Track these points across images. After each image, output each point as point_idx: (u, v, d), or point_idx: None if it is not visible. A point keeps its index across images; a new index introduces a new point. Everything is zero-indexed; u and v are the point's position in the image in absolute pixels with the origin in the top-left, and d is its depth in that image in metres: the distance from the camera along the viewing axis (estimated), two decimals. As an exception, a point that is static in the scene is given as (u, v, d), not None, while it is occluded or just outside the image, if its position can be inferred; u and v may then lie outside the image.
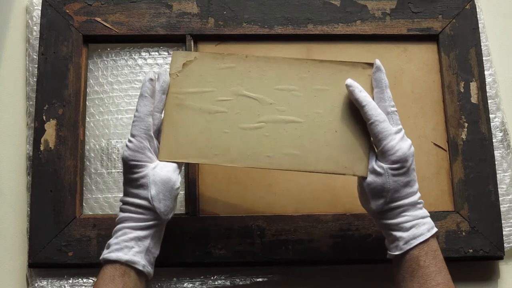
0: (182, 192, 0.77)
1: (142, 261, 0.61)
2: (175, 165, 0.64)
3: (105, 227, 0.73)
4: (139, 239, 0.61)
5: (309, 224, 0.74)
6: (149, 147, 0.63)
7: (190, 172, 0.76)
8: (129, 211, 0.62)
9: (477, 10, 0.83)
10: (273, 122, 0.66)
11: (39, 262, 0.72)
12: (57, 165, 0.74)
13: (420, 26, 0.81)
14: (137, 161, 0.62)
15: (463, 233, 0.75)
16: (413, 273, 0.60)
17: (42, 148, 0.75)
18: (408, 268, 0.61)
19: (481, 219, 0.75)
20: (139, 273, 0.61)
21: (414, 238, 0.61)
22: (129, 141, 0.62)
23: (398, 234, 0.61)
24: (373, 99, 0.64)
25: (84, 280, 0.74)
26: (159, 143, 0.65)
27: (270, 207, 0.76)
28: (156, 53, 0.82)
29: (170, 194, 0.62)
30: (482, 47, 0.82)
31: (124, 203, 0.63)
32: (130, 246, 0.61)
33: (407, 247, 0.60)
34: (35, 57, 0.80)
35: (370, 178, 0.62)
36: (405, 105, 0.80)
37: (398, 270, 0.62)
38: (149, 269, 0.62)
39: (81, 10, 0.79)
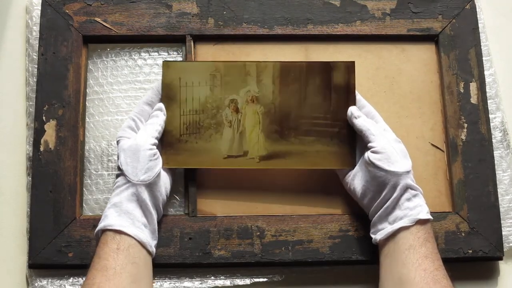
0: (181, 193, 0.77)
1: (118, 222, 0.64)
2: (150, 132, 0.68)
3: (105, 228, 0.73)
4: (116, 205, 0.65)
5: (308, 225, 0.74)
6: (134, 126, 0.69)
7: (188, 173, 0.76)
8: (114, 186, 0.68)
9: (477, 10, 0.83)
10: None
11: (39, 263, 0.72)
12: (57, 166, 0.74)
13: (420, 26, 0.81)
14: (119, 137, 0.69)
15: (463, 234, 0.75)
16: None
17: (42, 148, 0.75)
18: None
19: (480, 220, 0.75)
20: (121, 234, 0.63)
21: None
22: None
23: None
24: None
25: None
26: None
27: (268, 207, 0.76)
28: (156, 53, 0.82)
29: (137, 156, 0.65)
30: (482, 47, 0.81)
31: None
32: (107, 214, 0.65)
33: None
34: (35, 57, 0.80)
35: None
36: (403, 105, 0.80)
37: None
38: (133, 230, 0.64)
39: (80, 10, 0.79)
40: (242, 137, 0.71)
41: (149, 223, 0.67)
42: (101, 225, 0.65)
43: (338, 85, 0.71)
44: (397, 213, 0.66)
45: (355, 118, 0.69)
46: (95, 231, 0.66)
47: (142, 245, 0.65)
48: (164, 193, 0.69)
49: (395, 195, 0.66)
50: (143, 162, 0.65)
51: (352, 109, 0.70)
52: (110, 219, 0.64)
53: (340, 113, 0.71)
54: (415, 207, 0.66)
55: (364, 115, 0.70)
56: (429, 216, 0.66)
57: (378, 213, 0.67)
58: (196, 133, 0.71)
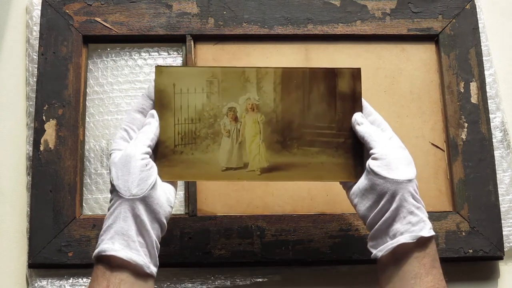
0: (181, 193, 0.77)
1: (111, 246, 0.58)
2: (141, 141, 0.62)
3: (105, 227, 0.73)
4: (110, 227, 0.59)
5: (308, 224, 0.74)
6: (127, 137, 0.63)
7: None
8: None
9: (477, 10, 0.83)
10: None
11: (39, 263, 0.72)
12: (57, 165, 0.74)
13: (420, 26, 0.81)
14: (111, 150, 0.63)
15: (463, 233, 0.75)
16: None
17: (42, 148, 0.75)
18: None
19: (481, 219, 0.75)
20: (116, 261, 0.58)
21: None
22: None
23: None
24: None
25: (84, 280, 0.74)
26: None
27: (268, 207, 0.76)
28: (156, 53, 0.82)
29: (128, 168, 0.60)
30: (482, 47, 0.82)
31: None
32: (102, 239, 0.60)
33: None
34: (35, 57, 0.80)
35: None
36: (403, 105, 0.80)
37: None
38: (127, 253, 0.58)
39: (81, 10, 0.79)
40: (241, 148, 0.66)
41: (146, 241, 0.60)
42: (95, 251, 0.60)
43: (344, 93, 0.67)
44: (398, 227, 0.60)
45: (358, 124, 0.65)
46: (93, 255, 0.61)
47: (138, 270, 0.59)
48: (166, 204, 0.62)
49: (394, 205, 0.60)
50: (134, 173, 0.60)
51: (356, 116, 0.66)
52: (104, 243, 0.59)
53: (346, 122, 0.66)
54: (417, 223, 0.60)
55: (368, 121, 0.66)
56: (432, 233, 0.61)
57: (377, 225, 0.62)
58: (192, 144, 0.66)
